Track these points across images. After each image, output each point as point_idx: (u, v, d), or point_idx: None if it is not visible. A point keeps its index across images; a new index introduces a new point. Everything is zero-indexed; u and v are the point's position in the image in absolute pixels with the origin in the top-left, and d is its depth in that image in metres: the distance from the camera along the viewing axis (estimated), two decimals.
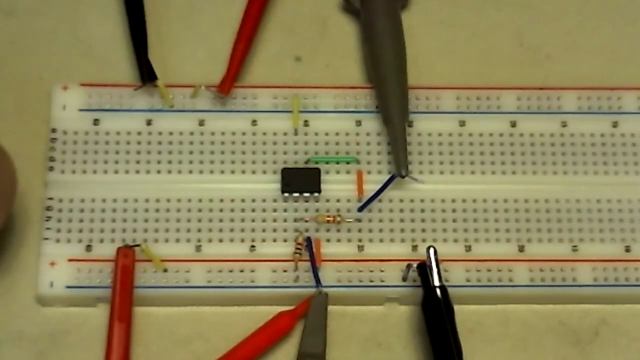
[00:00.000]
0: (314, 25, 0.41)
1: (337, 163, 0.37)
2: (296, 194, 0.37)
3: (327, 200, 0.37)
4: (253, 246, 0.36)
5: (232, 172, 0.37)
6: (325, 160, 0.37)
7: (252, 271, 0.36)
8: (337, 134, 0.38)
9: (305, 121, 0.38)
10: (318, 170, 0.37)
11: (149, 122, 0.38)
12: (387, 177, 0.37)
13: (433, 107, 0.39)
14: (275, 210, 0.37)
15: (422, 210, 0.37)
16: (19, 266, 0.36)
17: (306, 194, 0.37)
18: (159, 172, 0.37)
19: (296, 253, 0.36)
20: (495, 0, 0.41)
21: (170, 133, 0.38)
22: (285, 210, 0.37)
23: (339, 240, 0.36)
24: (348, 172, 0.37)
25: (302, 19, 0.41)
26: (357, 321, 0.36)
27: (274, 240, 0.36)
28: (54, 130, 0.37)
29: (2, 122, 0.38)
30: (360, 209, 0.37)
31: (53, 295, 0.36)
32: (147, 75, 0.38)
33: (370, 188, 0.37)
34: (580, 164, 0.38)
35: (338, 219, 0.37)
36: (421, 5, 0.41)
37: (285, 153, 0.38)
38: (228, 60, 0.38)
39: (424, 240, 0.37)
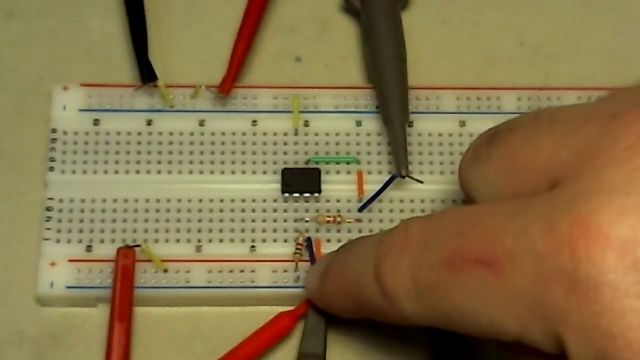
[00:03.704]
0: (314, 25, 0.41)
1: (337, 163, 0.37)
2: (296, 194, 0.37)
3: (327, 201, 0.37)
4: (253, 246, 0.36)
5: (232, 172, 0.37)
6: (326, 161, 0.37)
7: (252, 271, 0.36)
8: (337, 134, 0.38)
9: (306, 121, 0.38)
10: (318, 171, 0.37)
11: (149, 122, 0.38)
12: (387, 177, 0.37)
13: (433, 107, 0.39)
14: (275, 211, 0.37)
15: (422, 211, 0.37)
16: (19, 266, 0.36)
17: (306, 194, 0.37)
18: (159, 172, 0.37)
19: (296, 253, 0.36)
20: (495, 0, 0.41)
21: (170, 133, 0.38)
22: (285, 211, 0.37)
23: (339, 241, 0.36)
24: (348, 172, 0.37)
25: (302, 19, 0.41)
26: (355, 321, 0.36)
27: (274, 241, 0.36)
28: (54, 130, 0.37)
29: (2, 122, 0.38)
30: (361, 209, 0.37)
31: (53, 295, 0.36)
32: (147, 75, 0.38)
33: (370, 188, 0.37)
34: None
35: (338, 219, 0.37)
36: (421, 5, 0.41)
37: (285, 153, 0.38)
38: (228, 60, 0.38)
39: None
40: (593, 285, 0.25)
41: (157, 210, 0.37)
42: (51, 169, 0.37)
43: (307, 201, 0.37)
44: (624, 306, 0.24)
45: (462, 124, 0.38)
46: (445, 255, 0.28)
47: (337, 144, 0.38)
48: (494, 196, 0.29)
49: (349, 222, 0.37)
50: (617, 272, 0.24)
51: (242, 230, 0.36)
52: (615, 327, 0.24)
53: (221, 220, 0.37)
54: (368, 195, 0.37)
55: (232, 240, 0.36)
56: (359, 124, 0.38)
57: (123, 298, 0.35)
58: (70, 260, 0.36)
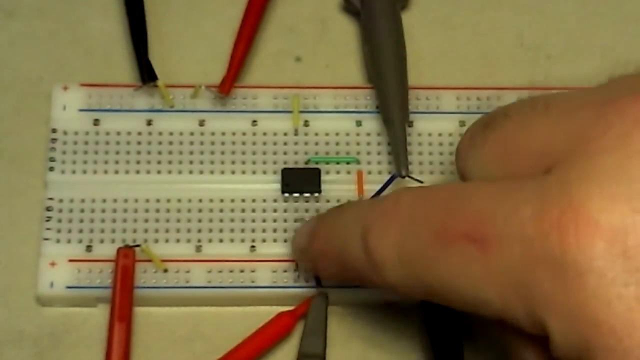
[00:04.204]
0: (314, 25, 0.41)
1: (337, 163, 0.37)
2: (296, 194, 0.37)
3: (327, 201, 0.37)
4: (253, 246, 0.36)
5: (232, 172, 0.37)
6: (325, 160, 0.37)
7: (252, 271, 0.36)
8: (337, 134, 0.38)
9: (306, 121, 0.38)
10: (318, 170, 0.37)
11: (149, 122, 0.38)
12: (387, 177, 0.37)
13: (433, 107, 0.39)
14: (275, 211, 0.37)
15: None
16: (19, 266, 0.36)
17: (306, 194, 0.37)
18: (159, 172, 0.37)
19: None
20: (495, 0, 0.41)
21: (170, 133, 0.38)
22: (285, 211, 0.37)
23: None
24: (348, 172, 0.37)
25: (302, 19, 0.41)
26: (357, 321, 0.36)
27: (274, 241, 0.36)
28: (54, 130, 0.37)
29: (2, 122, 0.38)
30: None
31: (53, 295, 0.36)
32: (147, 75, 0.38)
33: (370, 188, 0.37)
34: None
35: None
36: (421, 5, 0.41)
37: (285, 153, 0.38)
38: (228, 60, 0.38)
39: None
40: (580, 272, 0.25)
41: (157, 210, 0.37)
42: (51, 169, 0.37)
43: (307, 201, 0.37)
44: (610, 293, 0.25)
45: (462, 124, 0.38)
46: (434, 228, 0.28)
47: (337, 144, 0.38)
48: (489, 179, 0.29)
49: None
50: (605, 259, 0.25)
51: (242, 230, 0.36)
52: (600, 314, 0.25)
53: (221, 220, 0.37)
54: (368, 195, 0.37)
55: (232, 240, 0.36)
56: (359, 124, 0.38)
57: (123, 298, 0.35)
58: (70, 260, 0.36)
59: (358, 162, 0.38)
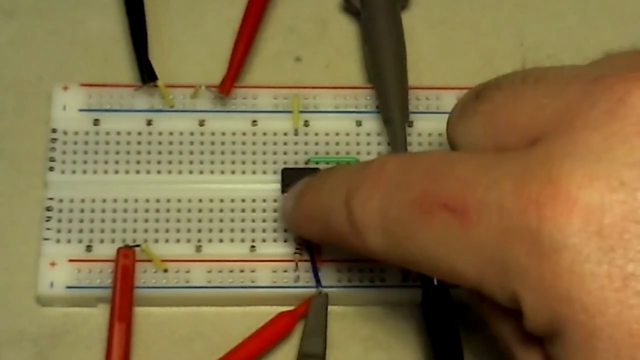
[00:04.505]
0: (314, 25, 0.41)
1: (337, 163, 0.37)
2: None
3: None
4: (253, 246, 0.36)
5: (232, 172, 0.37)
6: (326, 161, 0.37)
7: (252, 271, 0.36)
8: (337, 134, 0.38)
9: (306, 121, 0.38)
10: (318, 171, 0.37)
11: (149, 122, 0.38)
12: None
13: (433, 107, 0.39)
14: (275, 211, 0.37)
15: None
16: (19, 266, 0.36)
17: None
18: (159, 172, 0.37)
19: (296, 253, 0.36)
20: (495, 0, 0.41)
21: (170, 133, 0.38)
22: None
23: None
24: None
25: (302, 19, 0.41)
26: (357, 321, 0.36)
27: (274, 241, 0.36)
28: (54, 130, 0.37)
29: (2, 122, 0.38)
30: None
31: (53, 295, 0.36)
32: (147, 75, 0.38)
33: None
34: None
35: None
36: (421, 5, 0.41)
37: (285, 153, 0.38)
38: (228, 60, 0.38)
39: None
40: (555, 247, 0.25)
41: (157, 210, 0.37)
42: (51, 169, 0.37)
43: None
44: (584, 270, 0.25)
45: None
46: (416, 197, 0.28)
47: (337, 144, 0.38)
48: (475, 150, 0.29)
49: None
50: (581, 236, 0.25)
51: (242, 230, 0.36)
52: (573, 290, 0.25)
53: (221, 220, 0.37)
54: None
55: (232, 240, 0.36)
56: (359, 124, 0.38)
57: (123, 298, 0.35)
58: (70, 260, 0.36)
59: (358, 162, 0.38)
